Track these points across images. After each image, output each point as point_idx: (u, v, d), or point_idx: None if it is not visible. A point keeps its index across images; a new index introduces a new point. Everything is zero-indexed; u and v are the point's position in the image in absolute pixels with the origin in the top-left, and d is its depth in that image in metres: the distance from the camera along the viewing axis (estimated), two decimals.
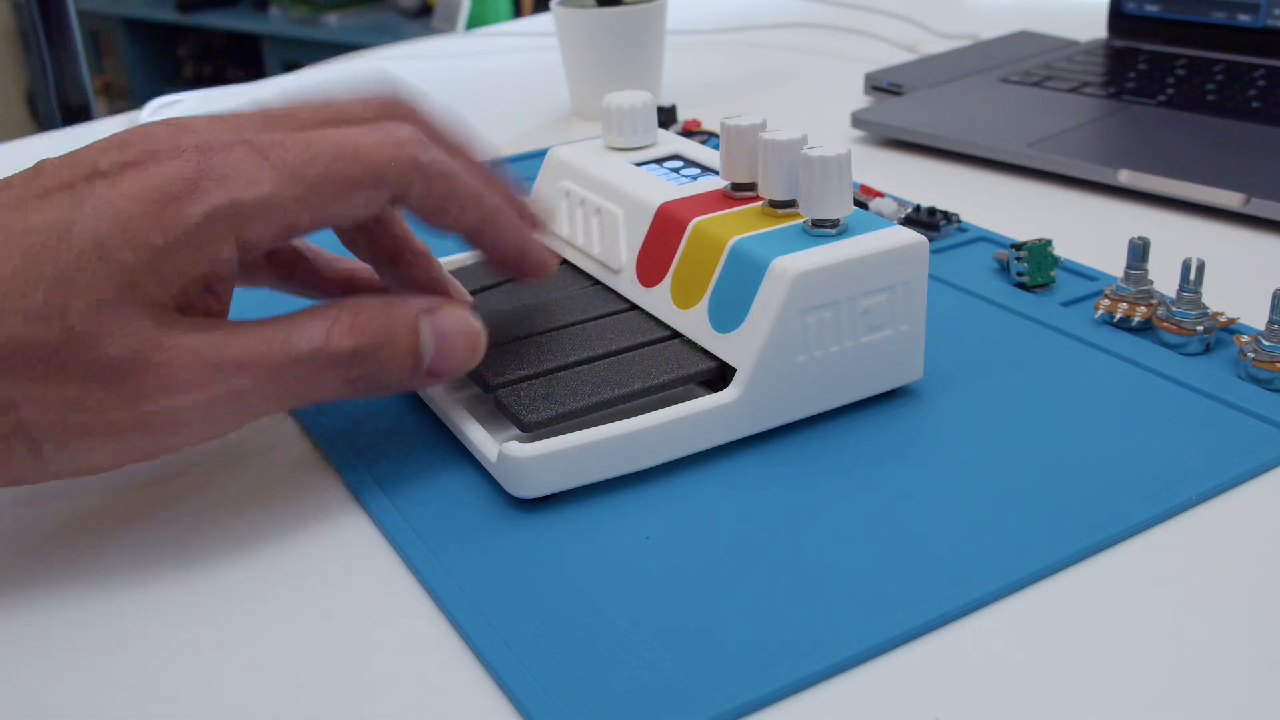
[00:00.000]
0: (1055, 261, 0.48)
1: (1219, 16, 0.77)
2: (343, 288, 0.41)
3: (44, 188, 0.31)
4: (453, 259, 0.48)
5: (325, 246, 0.41)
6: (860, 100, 0.78)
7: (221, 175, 0.31)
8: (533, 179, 0.48)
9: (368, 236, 0.38)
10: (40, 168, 0.32)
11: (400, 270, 0.39)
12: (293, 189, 0.32)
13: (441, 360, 0.35)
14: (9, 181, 0.32)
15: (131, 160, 0.31)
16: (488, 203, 0.36)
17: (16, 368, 0.30)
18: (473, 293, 0.44)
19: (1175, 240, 0.53)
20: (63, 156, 0.33)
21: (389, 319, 0.34)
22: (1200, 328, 0.42)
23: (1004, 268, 0.49)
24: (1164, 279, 0.47)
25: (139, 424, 0.31)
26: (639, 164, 0.45)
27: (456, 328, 0.35)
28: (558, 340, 0.40)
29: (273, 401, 0.33)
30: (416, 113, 0.36)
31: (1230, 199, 0.55)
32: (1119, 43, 0.81)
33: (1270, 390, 0.40)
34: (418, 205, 0.34)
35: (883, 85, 0.77)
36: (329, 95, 0.36)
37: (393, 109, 0.36)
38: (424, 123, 0.36)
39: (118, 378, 0.30)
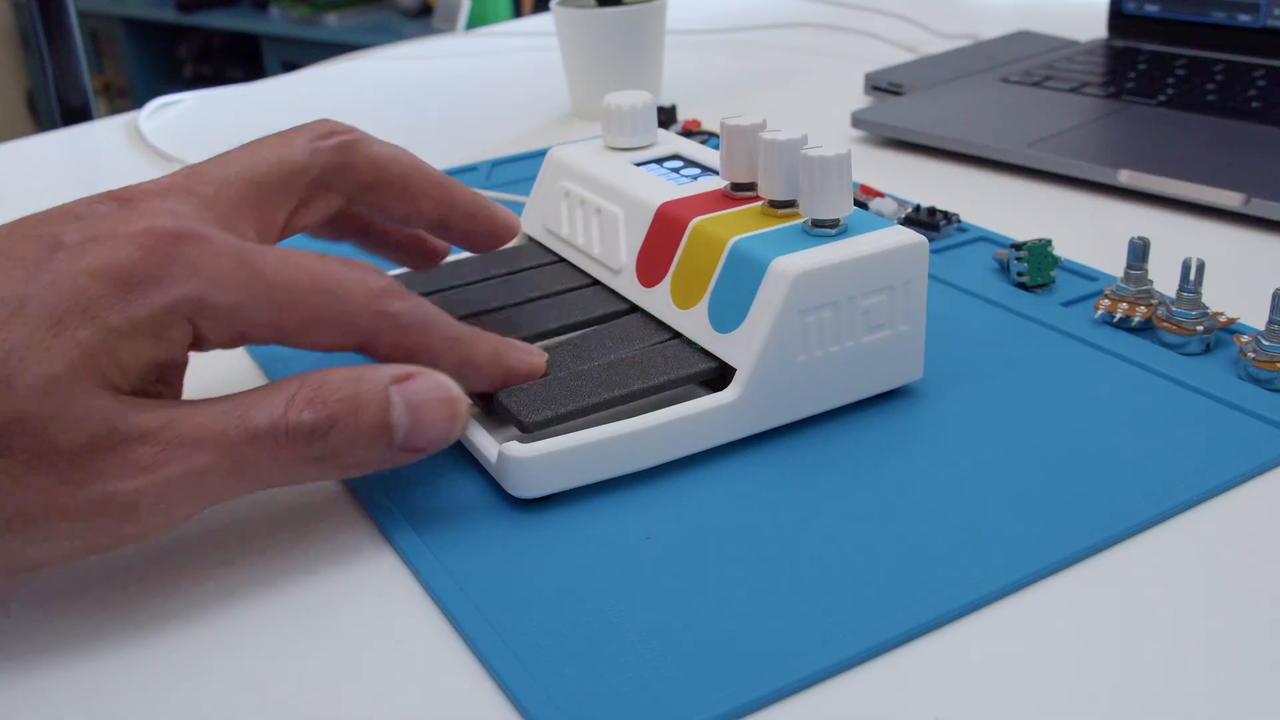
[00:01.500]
0: (1055, 261, 0.48)
1: (1219, 16, 0.77)
2: (412, 246, 0.42)
3: (0, 257, 0.30)
4: (449, 260, 0.48)
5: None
6: (860, 100, 0.78)
7: (193, 268, 0.30)
8: (533, 179, 0.48)
9: (374, 243, 0.39)
10: None
11: (410, 255, 0.40)
12: (260, 306, 0.31)
13: (416, 434, 0.32)
14: None
15: (93, 235, 0.30)
16: (463, 346, 0.35)
17: None
18: (470, 285, 0.44)
19: (1175, 240, 0.53)
20: (18, 223, 0.31)
21: (355, 390, 0.31)
22: (1200, 328, 0.42)
23: (1004, 268, 0.49)
24: (1164, 279, 0.47)
25: (90, 510, 0.29)
26: (639, 164, 0.45)
27: (431, 395, 0.32)
28: (558, 340, 0.40)
29: (232, 482, 0.30)
30: (352, 137, 0.37)
31: (1230, 199, 0.55)
32: (1119, 43, 0.81)
33: (1270, 390, 0.40)
34: (386, 356, 0.33)
35: (883, 85, 0.77)
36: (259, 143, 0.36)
37: (329, 138, 0.37)
38: (357, 142, 0.37)
39: (66, 462, 0.28)
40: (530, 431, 0.36)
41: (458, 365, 0.35)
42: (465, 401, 0.33)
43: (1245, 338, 0.41)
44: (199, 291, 0.30)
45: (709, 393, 0.37)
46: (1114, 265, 0.49)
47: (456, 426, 0.33)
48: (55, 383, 0.28)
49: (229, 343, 0.32)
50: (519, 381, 0.37)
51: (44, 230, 0.30)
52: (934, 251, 0.52)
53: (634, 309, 0.42)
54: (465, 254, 0.48)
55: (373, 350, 0.33)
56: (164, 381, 0.31)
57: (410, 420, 0.32)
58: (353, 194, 0.38)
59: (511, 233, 0.41)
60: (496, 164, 0.67)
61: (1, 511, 0.28)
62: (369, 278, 0.33)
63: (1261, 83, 0.69)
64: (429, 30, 2.35)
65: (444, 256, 0.44)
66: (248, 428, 0.30)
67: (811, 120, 0.74)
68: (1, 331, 0.28)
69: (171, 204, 0.32)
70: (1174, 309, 0.43)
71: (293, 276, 0.32)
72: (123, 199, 0.32)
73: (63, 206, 0.32)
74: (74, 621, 0.32)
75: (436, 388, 0.32)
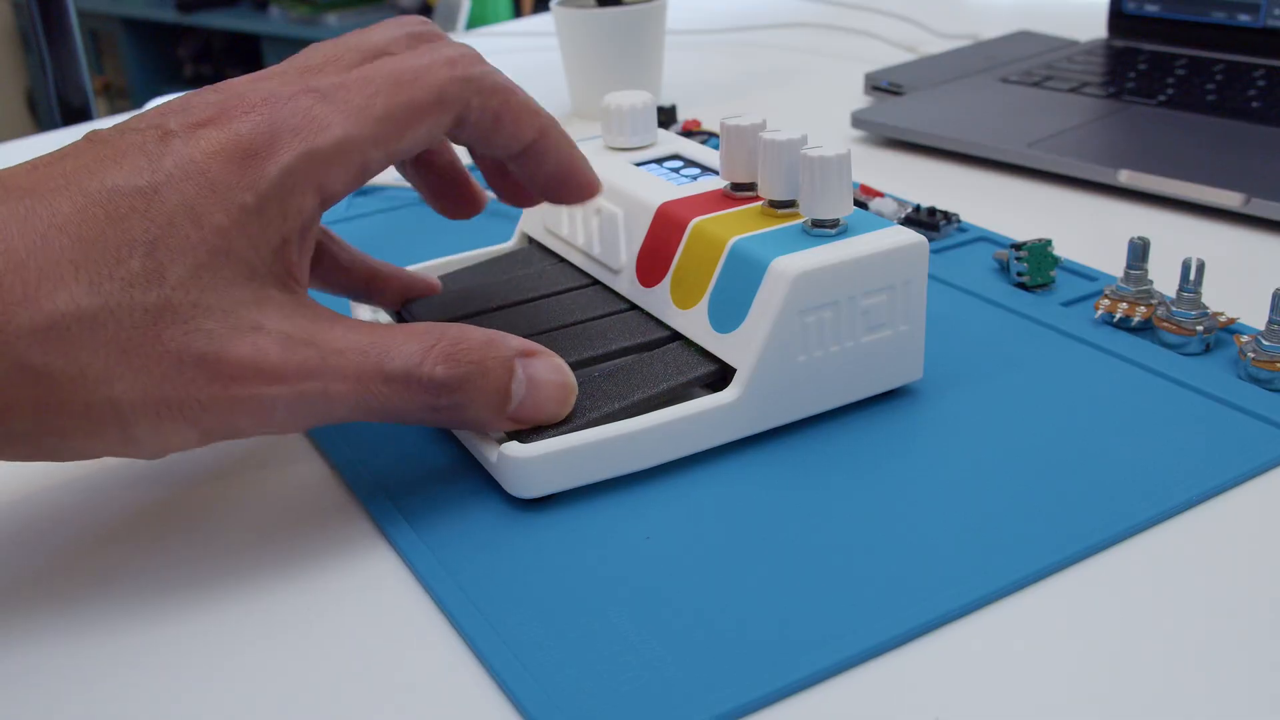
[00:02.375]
0: (1055, 261, 0.48)
1: (1219, 16, 0.77)
2: (366, 283, 0.41)
3: (113, 151, 0.30)
4: (450, 259, 0.48)
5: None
6: (860, 100, 0.78)
7: (294, 126, 0.31)
8: None
9: (426, 167, 0.38)
10: (96, 136, 0.31)
11: (455, 199, 0.39)
12: (363, 127, 0.32)
13: (529, 407, 0.34)
14: (65, 153, 0.31)
15: (201, 120, 0.31)
16: (543, 115, 0.36)
17: (112, 339, 0.29)
18: (467, 285, 0.44)
19: (1175, 240, 0.53)
20: (118, 124, 0.32)
21: (485, 354, 0.33)
22: (1200, 328, 0.42)
23: (1004, 268, 0.49)
24: (1164, 279, 0.47)
25: (230, 407, 0.30)
26: (639, 164, 0.45)
27: (551, 377, 0.34)
28: (558, 340, 0.40)
29: (357, 411, 0.32)
30: (444, 37, 0.36)
31: (1230, 199, 0.55)
32: (1119, 43, 0.81)
33: (1270, 390, 0.40)
34: (476, 121, 0.34)
35: (883, 85, 0.77)
36: (356, 33, 0.36)
37: (423, 36, 0.36)
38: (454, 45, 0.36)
39: (212, 356, 0.29)
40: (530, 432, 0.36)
41: (536, 134, 0.35)
42: (575, 389, 0.35)
43: (1245, 338, 0.41)
44: (308, 145, 0.31)
45: (709, 393, 0.37)
46: (1114, 265, 0.49)
47: (564, 410, 0.35)
48: (201, 271, 0.29)
49: (353, 181, 0.32)
50: (580, 174, 0.37)
51: (148, 124, 0.31)
52: (934, 251, 0.52)
53: (634, 309, 0.42)
54: (464, 253, 0.48)
55: (465, 118, 0.34)
56: (303, 250, 0.32)
57: (527, 394, 0.34)
58: (464, 131, 0.36)
59: (593, 195, 0.38)
60: None
61: (157, 403, 0.29)
62: (441, 50, 0.34)
63: (1261, 83, 0.69)
64: None
65: (479, 209, 0.42)
66: (385, 370, 0.32)
67: (811, 120, 0.74)
68: (145, 220, 0.29)
69: (261, 83, 0.33)
70: (1174, 309, 0.43)
71: (377, 86, 0.32)
72: (215, 88, 0.33)
73: (156, 105, 0.32)
74: (73, 621, 0.32)
75: (555, 370, 0.35)
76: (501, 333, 0.34)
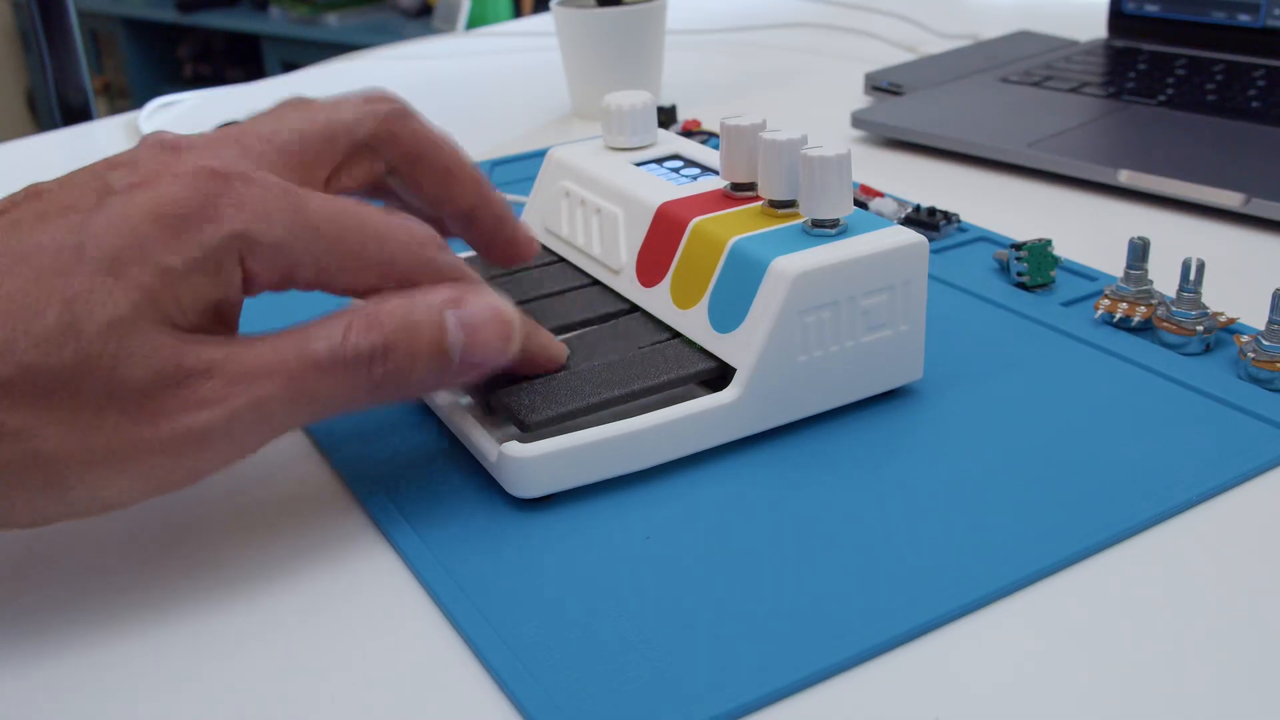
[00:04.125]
0: (1055, 261, 0.48)
1: (1219, 16, 0.77)
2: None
3: (47, 208, 0.30)
4: None
5: None
6: (860, 100, 0.78)
7: (240, 201, 0.30)
8: (533, 179, 0.48)
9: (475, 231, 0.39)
10: (37, 190, 0.31)
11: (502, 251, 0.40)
12: (305, 243, 0.31)
13: (473, 351, 0.33)
14: (3, 205, 0.31)
15: (145, 178, 0.31)
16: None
17: (30, 395, 0.28)
18: None
19: (1175, 240, 0.53)
20: (62, 178, 0.31)
21: (409, 312, 0.32)
22: (1200, 328, 0.42)
23: (1004, 268, 0.49)
24: (1164, 279, 0.47)
25: (162, 447, 0.29)
26: (639, 164, 0.45)
27: (485, 316, 0.33)
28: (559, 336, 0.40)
29: (297, 410, 0.31)
30: (404, 108, 0.37)
31: (1230, 199, 0.55)
32: (1119, 43, 0.81)
33: (1270, 390, 0.40)
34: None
35: (883, 85, 0.77)
36: (319, 101, 0.36)
37: (381, 105, 0.37)
38: (408, 114, 0.37)
39: (136, 400, 0.29)
40: (530, 430, 0.36)
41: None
42: (518, 319, 0.34)
43: (1245, 338, 0.41)
44: (246, 225, 0.30)
45: (709, 393, 0.37)
46: (1114, 265, 0.49)
47: (511, 345, 0.33)
48: (119, 325, 0.29)
49: (276, 282, 0.32)
50: (541, 365, 0.37)
51: (93, 179, 0.31)
52: (934, 251, 0.52)
53: (634, 309, 0.42)
54: (464, 254, 0.48)
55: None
56: (222, 321, 0.31)
57: (466, 339, 0.33)
58: (394, 164, 0.37)
59: (526, 255, 0.40)
60: (496, 164, 0.67)
61: (83, 453, 0.29)
62: (412, 225, 0.34)
63: (1261, 83, 0.69)
64: (429, 30, 2.35)
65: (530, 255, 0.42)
66: (308, 356, 0.31)
67: (811, 120, 0.74)
68: (63, 278, 0.28)
69: (216, 150, 0.33)
70: (1174, 309, 0.43)
71: (338, 216, 0.32)
72: (169, 145, 0.33)
73: (109, 157, 0.32)
74: (71, 620, 0.32)
75: (489, 308, 0.33)
76: (424, 288, 0.33)
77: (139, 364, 0.29)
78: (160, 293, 0.29)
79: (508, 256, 0.40)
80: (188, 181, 0.30)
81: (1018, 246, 0.48)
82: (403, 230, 0.33)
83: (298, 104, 0.36)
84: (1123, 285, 0.45)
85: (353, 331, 0.31)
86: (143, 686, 0.30)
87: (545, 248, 0.47)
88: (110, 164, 0.32)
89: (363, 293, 0.33)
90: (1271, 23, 0.75)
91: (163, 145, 0.33)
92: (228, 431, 0.30)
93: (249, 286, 0.31)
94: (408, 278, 0.33)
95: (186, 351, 0.30)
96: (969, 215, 0.57)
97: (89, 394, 0.28)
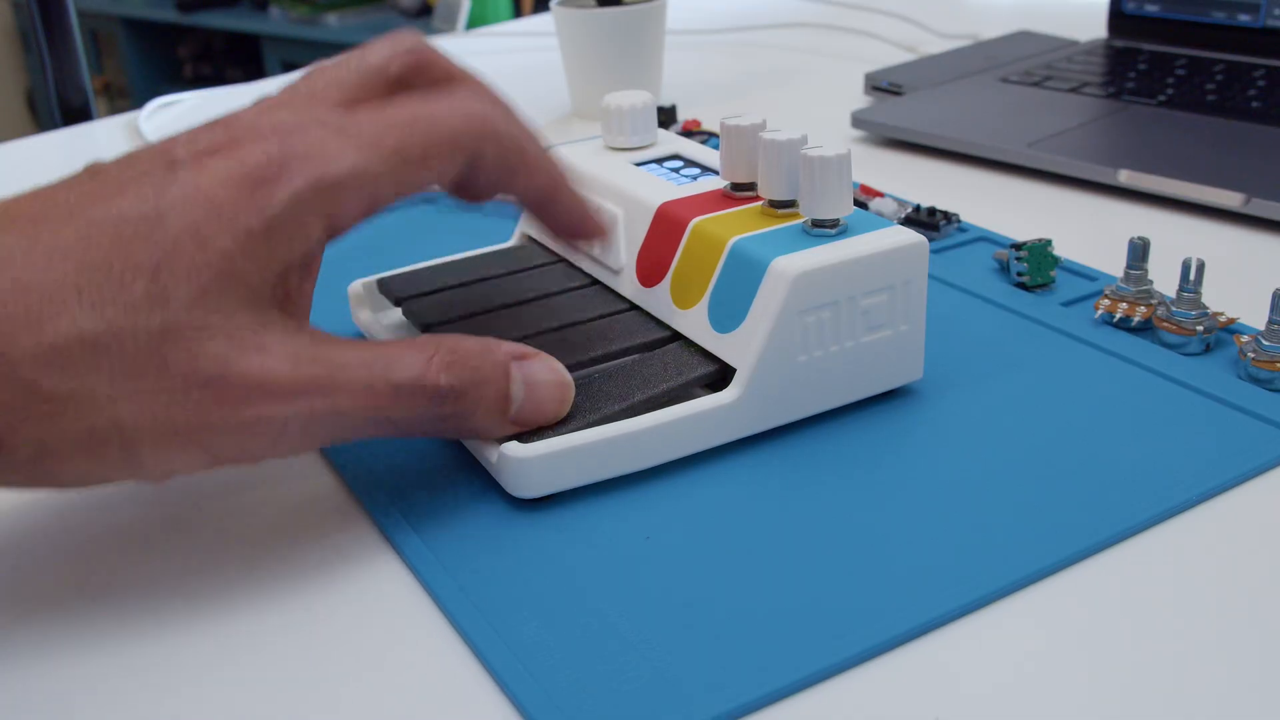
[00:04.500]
0: (1055, 261, 0.48)
1: (1219, 16, 0.77)
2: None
3: (117, 181, 0.30)
4: (450, 260, 0.48)
5: None
6: (860, 100, 0.78)
7: (305, 154, 0.31)
8: None
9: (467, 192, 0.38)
10: (97, 168, 0.31)
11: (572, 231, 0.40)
12: (374, 162, 0.32)
13: (529, 410, 0.34)
14: (67, 183, 0.31)
15: (209, 149, 0.31)
16: (554, 169, 0.36)
17: (116, 362, 0.28)
18: (469, 284, 0.44)
19: (1175, 240, 0.53)
20: (121, 157, 0.32)
21: (484, 360, 0.33)
22: (1200, 328, 0.42)
23: (1004, 268, 0.49)
24: (1164, 279, 0.47)
25: (237, 429, 0.30)
26: (639, 164, 0.45)
27: (547, 378, 0.35)
28: (558, 341, 0.40)
29: (367, 425, 0.32)
30: (445, 60, 0.36)
31: (1230, 199, 0.55)
32: (1119, 43, 0.81)
33: (1270, 390, 0.40)
34: (489, 169, 0.34)
35: (883, 85, 0.77)
36: (355, 54, 0.35)
37: (423, 60, 0.36)
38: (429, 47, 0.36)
39: (219, 378, 0.29)
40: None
41: (548, 185, 0.36)
42: (573, 387, 0.35)
43: (1245, 338, 0.41)
44: (316, 173, 0.31)
45: (709, 393, 0.37)
46: (1114, 265, 0.49)
47: (563, 410, 0.35)
48: (206, 296, 0.29)
49: (361, 213, 0.32)
50: (592, 220, 0.38)
51: (158, 154, 0.31)
52: (934, 251, 0.52)
53: (634, 309, 0.42)
54: (464, 253, 0.48)
55: (479, 165, 0.34)
56: (302, 284, 0.32)
57: (526, 397, 0.34)
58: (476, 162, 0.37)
59: (598, 235, 0.40)
60: None
61: (162, 426, 0.29)
62: (463, 99, 0.34)
63: (1261, 83, 0.69)
64: (429, 30, 2.35)
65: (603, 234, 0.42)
66: (391, 381, 0.32)
67: (811, 120, 0.74)
68: (147, 247, 0.29)
69: (273, 111, 0.33)
70: (1174, 309, 0.43)
71: (391, 123, 0.32)
72: (225, 118, 0.33)
73: (166, 138, 0.32)
74: (75, 627, 0.32)
75: (551, 370, 0.35)
76: (494, 339, 0.34)
77: (223, 343, 0.29)
78: (243, 258, 0.30)
79: (578, 237, 0.40)
80: (254, 144, 0.31)
81: (1018, 246, 0.48)
82: (455, 109, 0.33)
83: (330, 62, 0.35)
84: (1123, 285, 0.45)
85: (433, 366, 0.32)
86: (139, 690, 0.30)
87: (545, 248, 0.47)
88: (170, 141, 0.32)
89: (439, 182, 0.34)
90: (1271, 23, 0.75)
91: (219, 119, 0.33)
92: (302, 429, 0.31)
93: (336, 230, 0.32)
94: (473, 151, 0.33)
95: (270, 333, 0.30)
96: (969, 215, 0.57)
97: (174, 367, 0.29)
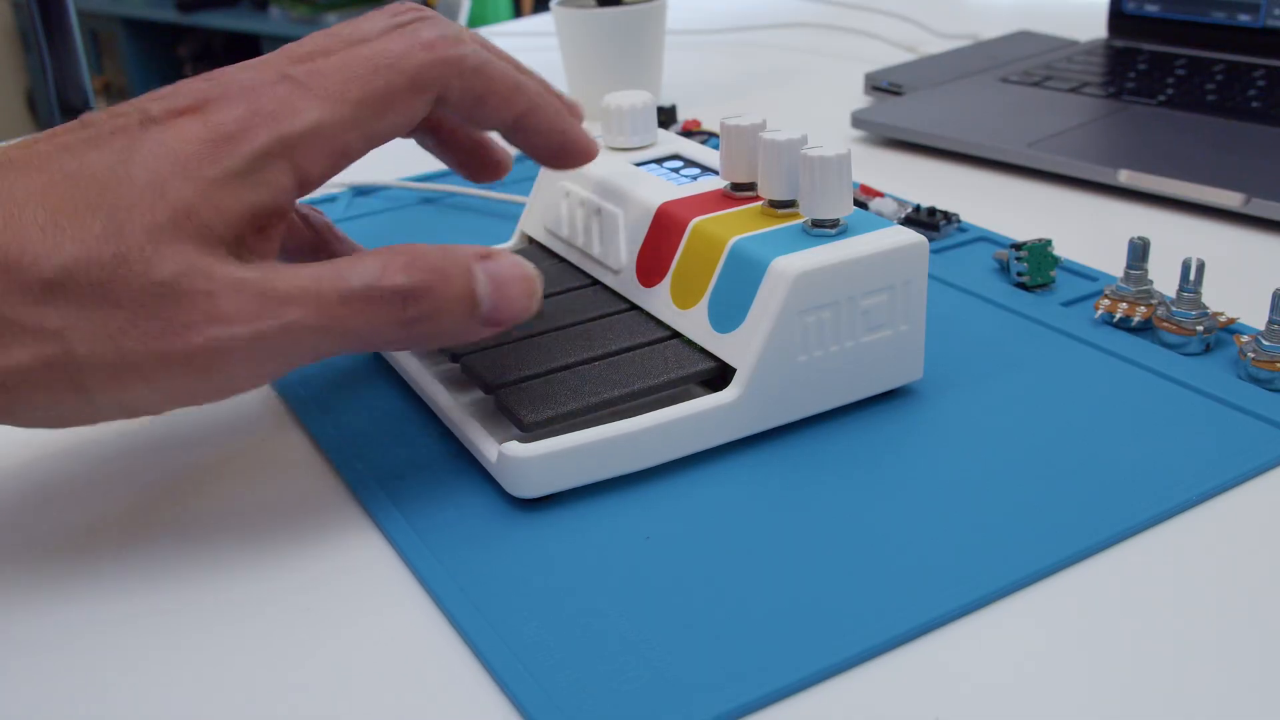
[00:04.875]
0: (1055, 261, 0.48)
1: (1219, 16, 0.77)
2: (476, 155, 0.42)
3: (95, 135, 0.32)
4: None
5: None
6: (860, 100, 0.78)
7: (270, 112, 0.32)
8: (533, 179, 0.48)
9: (447, 142, 0.40)
10: (86, 119, 0.32)
11: (479, 165, 0.41)
12: (339, 112, 0.33)
13: (499, 306, 0.34)
14: (55, 132, 0.32)
15: (182, 107, 0.32)
16: (529, 88, 0.36)
17: (68, 293, 0.30)
18: None
19: (1175, 240, 0.53)
20: (109, 109, 0.33)
21: (444, 261, 0.33)
22: (1200, 328, 0.42)
23: (1004, 268, 0.49)
24: (1164, 279, 0.47)
25: (187, 358, 0.30)
26: (639, 164, 0.45)
27: (512, 273, 0.34)
28: (558, 340, 0.40)
29: (324, 339, 0.32)
30: (432, 17, 0.37)
31: (1230, 199, 0.55)
32: (1119, 43, 0.81)
33: (1270, 390, 0.40)
34: (458, 101, 0.35)
35: (883, 85, 0.77)
36: (349, 23, 0.36)
37: (409, 14, 0.36)
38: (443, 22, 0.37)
39: (166, 305, 0.30)
40: (529, 430, 0.36)
41: (524, 109, 0.36)
42: (541, 280, 0.35)
43: (1245, 338, 0.41)
44: (281, 129, 0.32)
45: (709, 393, 0.37)
46: (1114, 265, 0.49)
47: (534, 303, 0.34)
48: (158, 231, 0.30)
49: (333, 163, 0.33)
50: (576, 141, 0.38)
51: (136, 110, 0.32)
52: (934, 251, 0.52)
53: (634, 309, 0.42)
54: None
55: (446, 99, 0.35)
56: (264, 234, 0.33)
57: (494, 293, 0.33)
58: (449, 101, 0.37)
59: (587, 157, 0.39)
60: None
61: (112, 358, 0.30)
62: (417, 32, 0.34)
63: (1261, 83, 0.69)
64: None
65: (505, 171, 0.43)
66: (343, 288, 0.32)
67: (811, 120, 0.74)
68: (111, 194, 0.30)
69: (252, 74, 0.34)
70: (1174, 309, 0.43)
71: (352, 72, 0.33)
72: (201, 78, 0.34)
73: (148, 94, 0.33)
74: (69, 618, 0.32)
75: (516, 265, 0.34)
76: (454, 244, 0.34)
77: (171, 268, 0.30)
78: (200, 204, 0.31)
79: (565, 162, 0.39)
80: (223, 103, 0.32)
81: (1018, 246, 0.48)
82: (413, 44, 0.34)
83: (345, 39, 0.35)
84: (1123, 285, 0.45)
85: (390, 269, 0.32)
86: (139, 690, 0.30)
87: (545, 248, 0.47)
88: (151, 96, 0.33)
89: (411, 126, 0.34)
90: (1271, 23, 0.75)
91: (198, 77, 0.34)
92: (253, 350, 0.31)
93: (307, 183, 0.33)
94: (439, 85, 0.34)
95: (219, 265, 0.31)
96: (969, 215, 0.57)
97: (123, 295, 0.30)
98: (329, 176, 0.33)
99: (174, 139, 0.31)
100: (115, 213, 0.30)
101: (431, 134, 0.41)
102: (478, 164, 0.43)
